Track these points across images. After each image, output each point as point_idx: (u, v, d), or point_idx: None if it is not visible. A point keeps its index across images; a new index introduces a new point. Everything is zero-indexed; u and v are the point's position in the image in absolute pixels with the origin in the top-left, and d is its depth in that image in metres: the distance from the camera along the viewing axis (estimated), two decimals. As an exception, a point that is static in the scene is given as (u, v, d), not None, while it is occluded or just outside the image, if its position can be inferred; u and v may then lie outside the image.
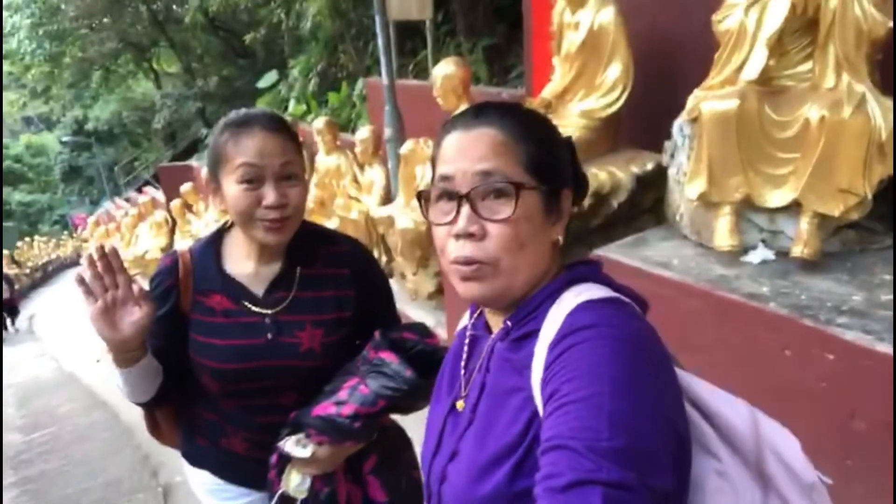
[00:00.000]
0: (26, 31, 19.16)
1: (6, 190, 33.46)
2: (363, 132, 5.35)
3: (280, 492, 1.41)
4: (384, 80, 4.89)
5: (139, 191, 19.55)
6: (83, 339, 11.49)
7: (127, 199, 20.18)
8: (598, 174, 3.28)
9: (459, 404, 0.95)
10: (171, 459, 4.38)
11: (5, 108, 37.77)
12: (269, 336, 1.44)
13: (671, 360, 0.83)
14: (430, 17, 5.39)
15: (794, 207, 2.54)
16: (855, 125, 2.34)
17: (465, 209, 0.85)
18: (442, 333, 4.12)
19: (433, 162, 0.93)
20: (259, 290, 1.47)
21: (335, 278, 1.51)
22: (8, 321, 16.10)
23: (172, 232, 11.51)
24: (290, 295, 1.47)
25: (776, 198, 2.57)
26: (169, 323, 1.45)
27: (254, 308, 1.45)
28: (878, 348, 1.95)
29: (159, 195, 14.47)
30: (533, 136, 0.88)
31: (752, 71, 2.57)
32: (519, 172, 0.85)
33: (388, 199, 5.17)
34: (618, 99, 3.34)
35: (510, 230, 0.84)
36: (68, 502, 4.23)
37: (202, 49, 19.50)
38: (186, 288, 1.47)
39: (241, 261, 1.49)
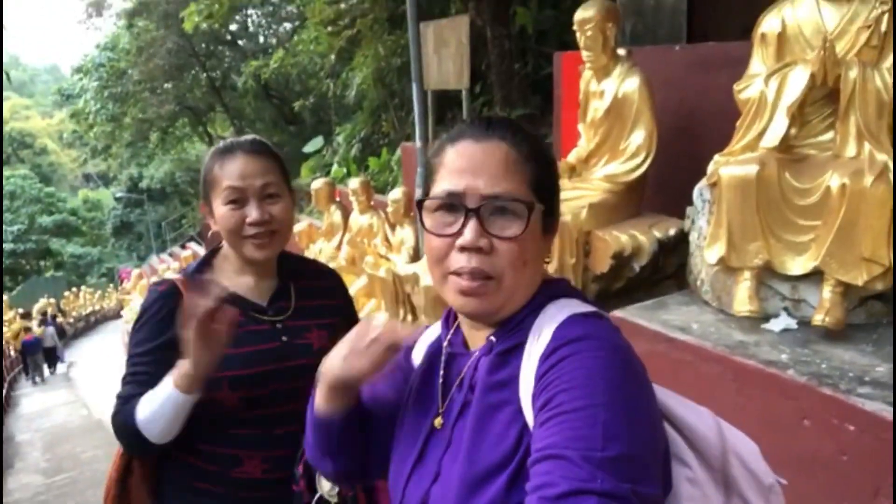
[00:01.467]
0: (93, 93, 20.37)
1: (60, 242, 34.83)
2: (395, 193, 5.48)
3: (318, 496, 1.44)
4: (418, 143, 5.03)
5: (183, 247, 20.14)
6: (115, 387, 11.59)
7: (170, 254, 20.78)
8: (620, 237, 3.28)
9: (437, 422, 0.94)
10: None
11: (68, 165, 39.76)
12: (284, 339, 1.51)
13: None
14: (467, 86, 5.57)
15: (816, 276, 2.49)
16: (876, 193, 2.31)
17: (473, 223, 0.84)
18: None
19: (433, 169, 0.92)
20: (262, 301, 1.55)
21: (324, 291, 1.64)
22: (46, 367, 16.41)
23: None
24: (291, 304, 1.57)
25: (797, 265, 2.53)
26: (174, 348, 1.44)
27: (262, 317, 1.53)
28: (898, 420, 1.86)
29: (201, 250, 14.87)
30: (539, 155, 0.89)
31: (773, 138, 2.58)
32: (525, 191, 0.86)
33: (416, 257, 5.23)
34: (641, 164, 3.37)
35: (517, 247, 0.85)
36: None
37: (254, 115, 20.37)
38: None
39: (234, 277, 1.55)
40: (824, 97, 2.59)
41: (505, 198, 0.84)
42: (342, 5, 8.50)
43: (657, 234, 3.32)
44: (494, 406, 0.86)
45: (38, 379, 15.27)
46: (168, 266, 15.82)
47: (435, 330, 1.07)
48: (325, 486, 1.45)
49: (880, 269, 2.35)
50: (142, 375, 1.44)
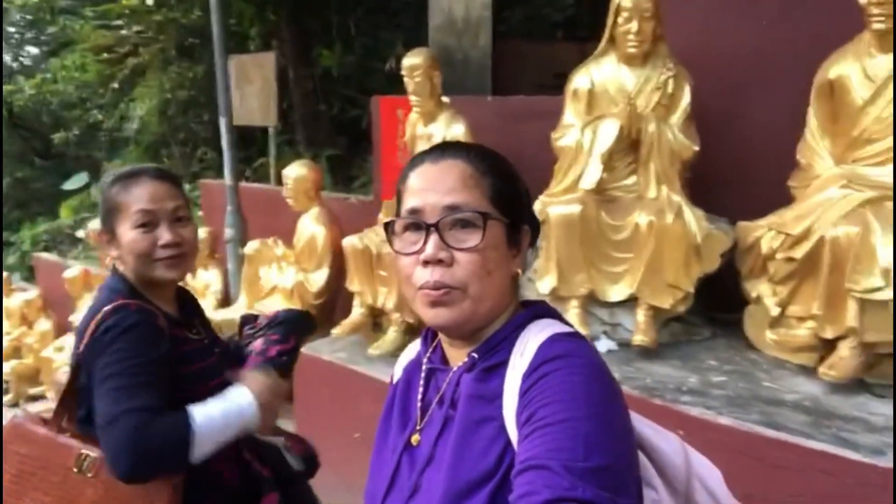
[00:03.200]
0: None
1: None
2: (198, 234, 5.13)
3: None
4: (228, 181, 4.79)
5: None
6: None
7: None
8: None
9: (415, 438, 0.94)
10: None
11: None
12: (216, 351, 1.59)
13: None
14: (275, 123, 5.46)
15: (630, 302, 2.84)
16: (676, 229, 2.72)
17: (434, 238, 0.87)
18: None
19: (399, 196, 0.95)
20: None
21: (197, 306, 1.71)
22: None
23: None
24: (195, 320, 1.61)
25: (616, 293, 2.85)
26: (167, 364, 1.40)
27: (192, 335, 1.56)
28: (719, 421, 2.18)
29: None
30: (497, 170, 0.93)
31: (590, 181, 2.90)
32: (485, 204, 0.89)
33: (225, 301, 4.92)
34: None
35: (478, 257, 0.87)
36: None
37: (-5, 148, 17.73)
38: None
39: (156, 300, 1.52)
40: (627, 147, 2.98)
41: (461, 208, 0.88)
42: (123, 32, 7.85)
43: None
44: (477, 422, 0.87)
45: None
46: None
47: (414, 348, 1.07)
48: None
49: (682, 294, 2.75)
50: (154, 387, 1.32)
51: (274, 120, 5.39)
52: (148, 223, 1.45)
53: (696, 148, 2.89)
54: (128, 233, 1.45)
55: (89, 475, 1.34)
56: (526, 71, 4.78)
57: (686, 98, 2.95)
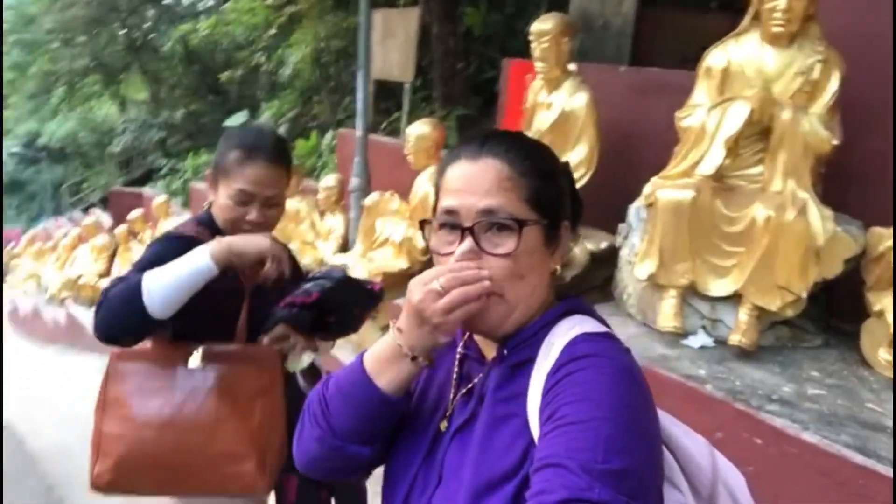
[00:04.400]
0: (-6, 36, 18.83)
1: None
2: (329, 180, 5.40)
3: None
4: (358, 131, 4.99)
5: (85, 212, 18.97)
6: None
7: (70, 219, 19.51)
8: (555, 246, 3.39)
9: (443, 425, 0.94)
10: (76, 492, 4.12)
11: (-44, 110, 36.60)
12: None
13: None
14: (411, 79, 5.58)
15: (734, 298, 2.68)
16: (796, 228, 2.51)
17: (468, 241, 0.86)
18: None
19: (436, 190, 0.95)
20: None
21: None
22: None
23: (112, 258, 11.14)
24: None
25: (719, 287, 2.70)
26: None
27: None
28: (803, 437, 2.04)
29: (105, 219, 14.06)
30: (537, 170, 0.90)
31: (709, 166, 2.74)
32: (522, 208, 0.87)
33: (344, 247, 5.18)
34: (580, 178, 3.48)
35: (511, 263, 0.86)
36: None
37: (175, 81, 19.45)
38: None
39: None
40: (757, 133, 2.77)
41: (498, 213, 0.86)
42: (288, -23, 8.29)
43: (590, 245, 3.45)
44: (502, 418, 0.87)
45: None
46: (66, 232, 14.84)
47: None
48: (304, 362, 1.70)
49: (793, 297, 2.56)
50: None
51: (410, 76, 5.50)
52: (244, 202, 1.61)
53: (836, 142, 2.63)
54: (225, 198, 1.62)
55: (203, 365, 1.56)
56: (670, 42, 4.52)
57: (833, 86, 2.68)
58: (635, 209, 3.05)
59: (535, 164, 0.90)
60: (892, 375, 2.39)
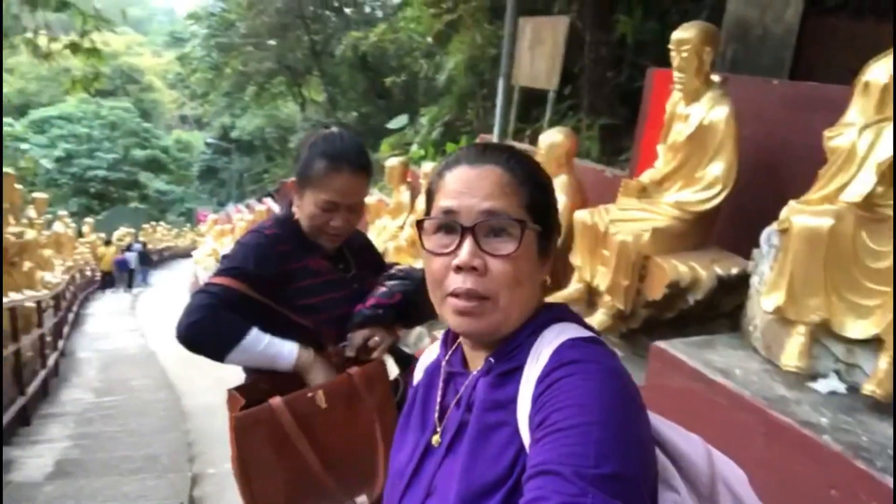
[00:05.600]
0: (201, 40, 21.20)
1: (148, 176, 36.47)
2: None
3: None
4: (495, 136, 5.02)
5: (259, 200, 20.77)
6: (172, 323, 12.09)
7: (246, 206, 21.47)
8: (679, 266, 3.20)
9: (435, 439, 0.95)
10: (211, 450, 4.53)
11: (167, 105, 41.49)
12: (355, 286, 1.85)
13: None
14: (555, 87, 5.51)
15: (876, 342, 2.37)
16: (956, 270, 2.17)
17: (469, 242, 0.87)
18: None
19: (430, 194, 0.96)
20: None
21: (364, 244, 2.02)
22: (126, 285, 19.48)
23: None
24: (350, 259, 1.90)
25: (858, 329, 2.40)
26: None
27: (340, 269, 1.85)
28: (931, 510, 1.76)
29: (276, 207, 15.30)
30: (534, 179, 0.92)
31: (857, 193, 2.45)
32: (521, 213, 0.88)
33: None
34: (715, 196, 3.26)
35: (511, 267, 0.87)
36: (109, 464, 4.45)
37: (348, 84, 20.73)
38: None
39: None
40: (920, 159, 2.43)
41: (499, 215, 0.87)
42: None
43: (718, 270, 3.21)
44: (491, 427, 0.87)
45: (125, 288, 19.17)
46: (242, 216, 16.35)
47: (434, 350, 1.09)
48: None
49: (946, 349, 2.22)
50: (237, 290, 1.64)
51: (555, 83, 5.44)
52: (331, 210, 1.72)
53: None
54: (311, 206, 1.72)
55: (323, 405, 1.64)
56: (839, 54, 4.08)
57: None
58: (767, 234, 2.79)
59: (532, 173, 0.93)
60: None
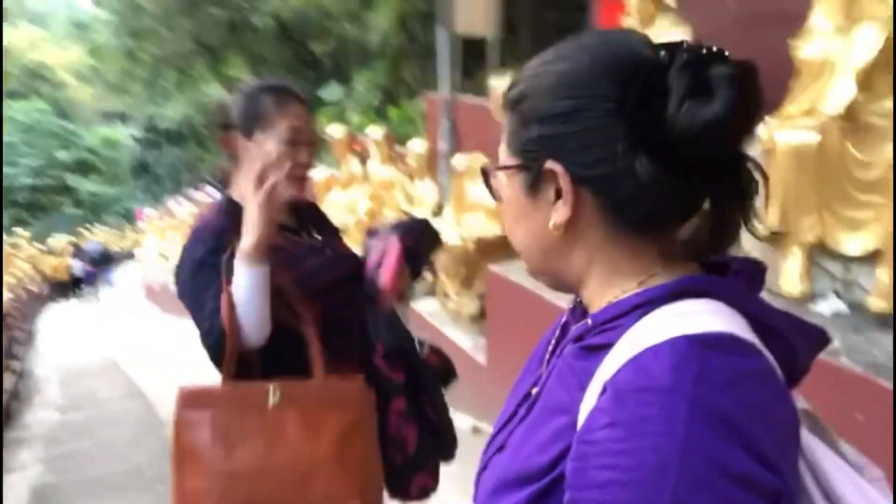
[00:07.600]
0: (109, 27, 20.03)
1: (76, 179, 34.85)
2: (417, 145, 5.29)
3: None
4: (443, 93, 4.81)
5: (199, 189, 20.07)
6: (129, 329, 11.74)
7: (187, 198, 20.73)
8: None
9: (533, 391, 0.78)
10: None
11: (85, 101, 39.52)
12: (328, 252, 1.65)
13: (794, 444, 0.60)
14: (494, 32, 5.31)
15: (872, 256, 2.32)
16: (950, 170, 2.12)
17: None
18: (480, 358, 3.96)
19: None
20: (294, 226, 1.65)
21: (321, 215, 1.80)
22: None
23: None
24: (309, 226, 1.69)
25: (854, 244, 2.35)
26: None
27: (302, 238, 1.65)
28: (965, 421, 1.72)
29: (217, 195, 14.76)
30: (514, 105, 0.74)
31: (837, 103, 2.36)
32: (507, 156, 0.76)
33: (438, 213, 5.07)
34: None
35: (503, 213, 0.80)
36: (88, 485, 4.23)
37: (273, 57, 19.96)
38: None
39: None
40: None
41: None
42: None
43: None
44: (554, 408, 0.69)
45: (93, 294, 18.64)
46: (188, 210, 15.77)
47: None
48: None
49: (946, 252, 2.17)
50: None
51: (493, 29, 5.23)
52: (296, 142, 1.53)
53: None
54: (273, 144, 1.51)
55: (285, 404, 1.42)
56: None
57: None
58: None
59: (515, 100, 0.79)
60: None
